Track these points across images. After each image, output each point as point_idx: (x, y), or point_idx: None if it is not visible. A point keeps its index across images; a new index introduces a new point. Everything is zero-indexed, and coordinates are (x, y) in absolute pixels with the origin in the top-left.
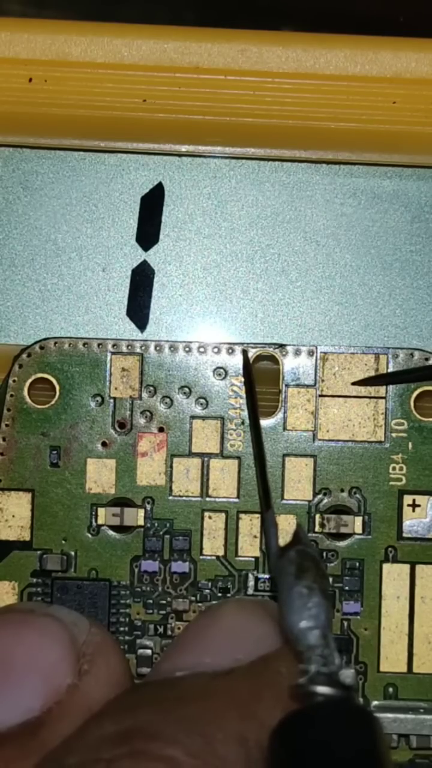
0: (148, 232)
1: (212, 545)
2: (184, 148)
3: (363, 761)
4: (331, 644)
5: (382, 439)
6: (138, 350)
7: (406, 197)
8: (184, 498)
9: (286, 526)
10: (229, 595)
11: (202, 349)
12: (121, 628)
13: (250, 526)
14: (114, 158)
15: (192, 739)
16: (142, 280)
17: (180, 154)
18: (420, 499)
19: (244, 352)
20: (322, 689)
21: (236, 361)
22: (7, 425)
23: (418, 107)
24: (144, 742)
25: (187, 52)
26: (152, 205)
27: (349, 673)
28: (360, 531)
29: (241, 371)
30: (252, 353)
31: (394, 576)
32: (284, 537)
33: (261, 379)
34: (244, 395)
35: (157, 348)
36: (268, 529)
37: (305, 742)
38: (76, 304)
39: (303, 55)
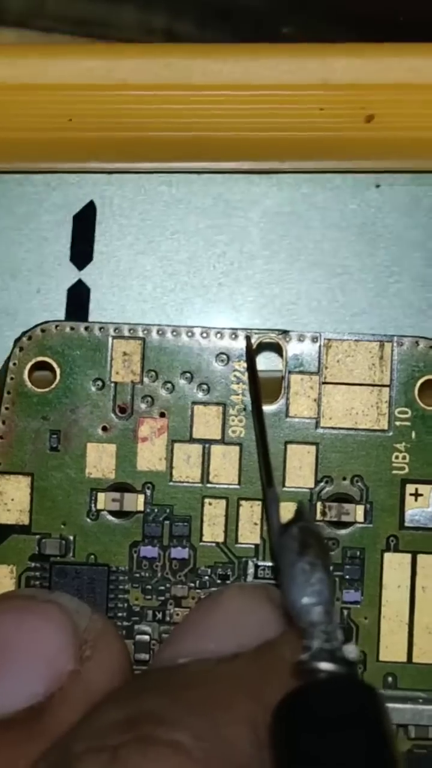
0: (82, 251)
1: (212, 532)
2: (114, 166)
3: (366, 736)
4: (334, 620)
5: (386, 428)
6: (140, 334)
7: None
8: (184, 484)
9: (288, 515)
10: (228, 582)
11: (204, 334)
12: (120, 614)
13: (250, 513)
14: (41, 178)
15: (199, 723)
16: (78, 300)
17: (110, 171)
18: (422, 488)
19: (248, 338)
20: (324, 665)
21: (239, 346)
22: (6, 408)
23: (344, 112)
24: (150, 727)
25: (113, 69)
26: (85, 224)
27: (351, 648)
28: (361, 519)
29: (243, 356)
30: (255, 339)
31: (395, 565)
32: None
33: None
34: (246, 381)
35: (159, 332)
36: (269, 505)
37: (308, 718)
38: (12, 326)
39: (227, 66)
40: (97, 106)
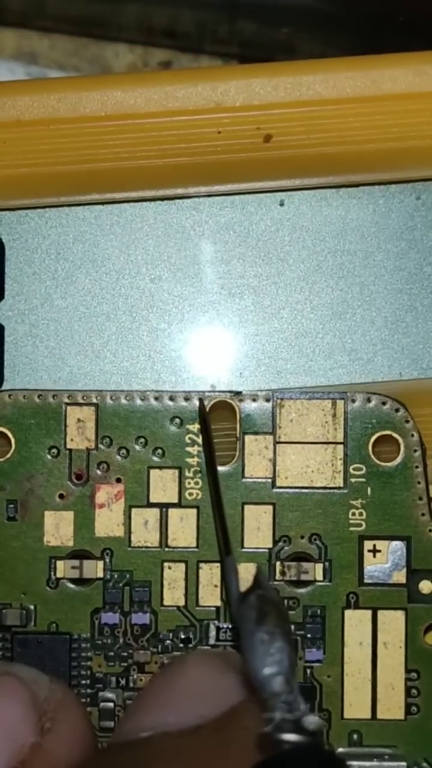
0: None
1: (172, 595)
2: (18, 203)
3: None
4: (295, 689)
5: (341, 485)
6: (94, 400)
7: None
8: (143, 548)
9: (247, 575)
10: (190, 645)
11: (157, 398)
12: (83, 681)
13: (210, 575)
14: None
15: None
16: None
17: (15, 208)
18: (380, 544)
19: (201, 401)
20: (288, 737)
21: (192, 408)
22: None
23: (242, 134)
24: None
25: (7, 107)
26: None
27: (313, 719)
28: (321, 578)
29: (197, 418)
30: (208, 401)
31: (355, 622)
32: (247, 585)
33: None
34: (201, 443)
35: (113, 398)
36: (228, 574)
37: None
38: None
39: (121, 96)
40: None
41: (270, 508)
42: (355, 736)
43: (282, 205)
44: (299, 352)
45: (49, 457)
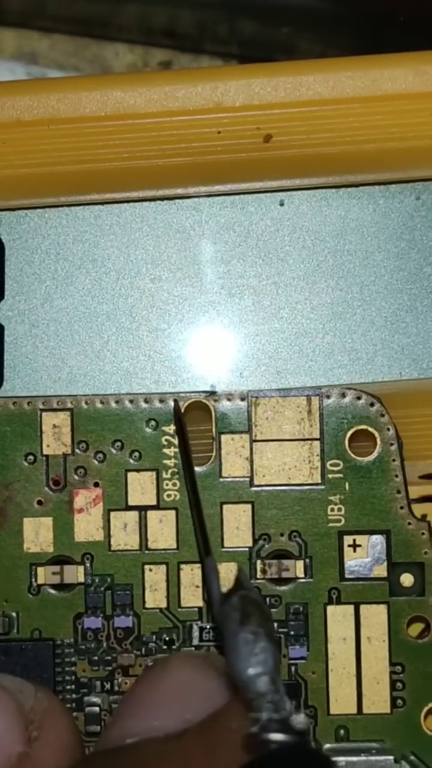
0: None
1: (154, 598)
2: (18, 203)
3: None
4: (280, 689)
5: (319, 481)
6: (69, 405)
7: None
8: (123, 552)
9: (228, 575)
10: (174, 647)
11: (132, 401)
12: (68, 687)
13: (191, 576)
14: None
15: None
16: None
17: (15, 209)
18: (360, 538)
19: (176, 402)
20: (275, 736)
21: (167, 410)
22: None
23: (242, 134)
24: None
25: (7, 107)
26: None
27: (300, 718)
28: (302, 575)
29: (172, 420)
30: (183, 402)
31: (338, 618)
32: (228, 585)
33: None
34: (177, 444)
35: (88, 402)
36: (209, 575)
37: None
38: None
39: (121, 96)
40: None
41: (249, 506)
42: (341, 732)
43: (282, 205)
44: (299, 352)
45: (25, 463)
